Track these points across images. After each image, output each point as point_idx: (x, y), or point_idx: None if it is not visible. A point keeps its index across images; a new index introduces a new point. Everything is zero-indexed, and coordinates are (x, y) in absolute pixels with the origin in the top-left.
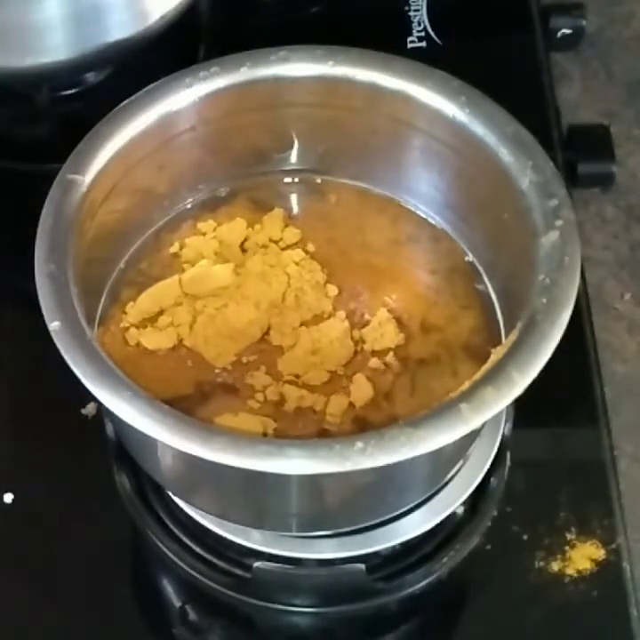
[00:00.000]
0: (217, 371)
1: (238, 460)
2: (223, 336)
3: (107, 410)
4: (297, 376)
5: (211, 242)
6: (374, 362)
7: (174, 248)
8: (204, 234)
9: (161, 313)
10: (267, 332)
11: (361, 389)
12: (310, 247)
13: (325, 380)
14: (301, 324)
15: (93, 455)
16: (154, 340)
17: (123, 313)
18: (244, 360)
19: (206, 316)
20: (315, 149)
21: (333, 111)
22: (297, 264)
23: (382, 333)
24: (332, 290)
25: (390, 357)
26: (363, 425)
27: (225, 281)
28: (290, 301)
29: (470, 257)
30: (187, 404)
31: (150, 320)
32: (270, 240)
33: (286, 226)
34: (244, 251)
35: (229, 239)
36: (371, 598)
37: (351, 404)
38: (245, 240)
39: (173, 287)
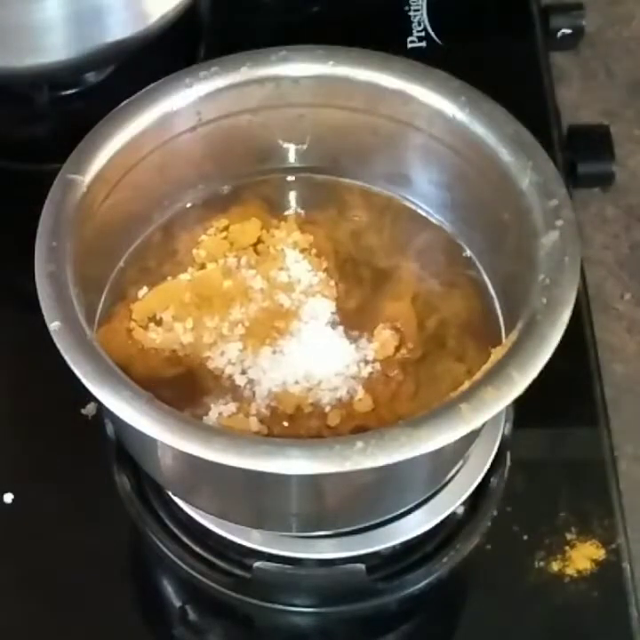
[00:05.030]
0: (219, 373)
1: (238, 460)
2: (226, 338)
3: (107, 410)
4: (297, 382)
5: (213, 241)
6: (376, 369)
7: (176, 247)
8: (205, 234)
9: (164, 313)
10: (269, 336)
11: (361, 398)
12: (310, 247)
13: (327, 386)
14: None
15: (93, 455)
16: (155, 340)
17: (124, 313)
18: (246, 363)
19: (210, 318)
20: (315, 149)
21: (333, 111)
22: (297, 262)
23: (383, 337)
24: (333, 290)
25: (391, 364)
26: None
27: (228, 283)
28: (291, 304)
29: (470, 256)
30: (187, 405)
31: (153, 320)
32: (280, 242)
33: (302, 232)
34: (257, 252)
35: (241, 239)
36: (371, 598)
37: (351, 413)
38: (257, 242)
39: (177, 288)
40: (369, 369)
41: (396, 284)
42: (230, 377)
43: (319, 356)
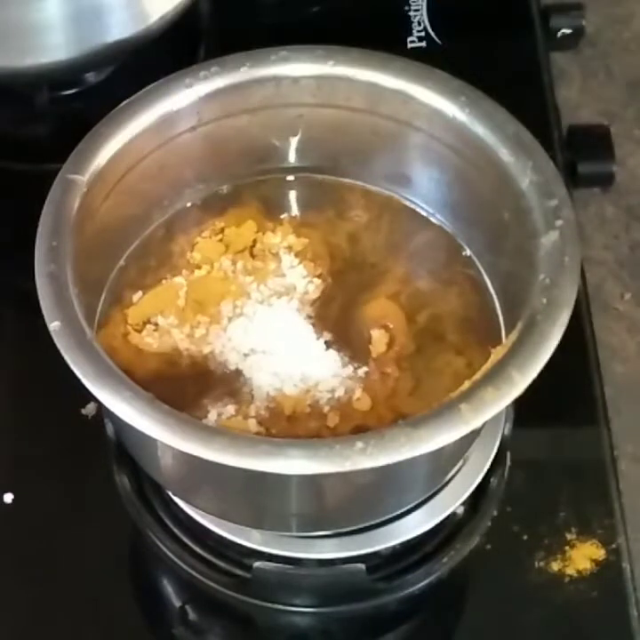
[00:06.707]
0: (217, 373)
1: (238, 460)
2: (224, 339)
3: (107, 410)
4: (295, 385)
5: (208, 244)
6: (371, 368)
7: (173, 249)
8: (204, 235)
9: (160, 317)
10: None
11: (359, 397)
12: (309, 246)
13: (324, 388)
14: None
15: (93, 455)
16: (154, 341)
17: (124, 314)
18: (245, 363)
19: (205, 321)
20: (315, 149)
21: (333, 111)
22: (293, 265)
23: (374, 337)
24: (329, 291)
25: (386, 361)
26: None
27: (223, 286)
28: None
29: (470, 256)
30: (185, 409)
31: (151, 321)
32: (276, 246)
33: (298, 234)
34: (252, 255)
35: (237, 242)
36: (371, 598)
37: (350, 413)
38: (254, 244)
39: (172, 292)
40: (365, 368)
41: (395, 284)
42: (228, 380)
43: (315, 359)
